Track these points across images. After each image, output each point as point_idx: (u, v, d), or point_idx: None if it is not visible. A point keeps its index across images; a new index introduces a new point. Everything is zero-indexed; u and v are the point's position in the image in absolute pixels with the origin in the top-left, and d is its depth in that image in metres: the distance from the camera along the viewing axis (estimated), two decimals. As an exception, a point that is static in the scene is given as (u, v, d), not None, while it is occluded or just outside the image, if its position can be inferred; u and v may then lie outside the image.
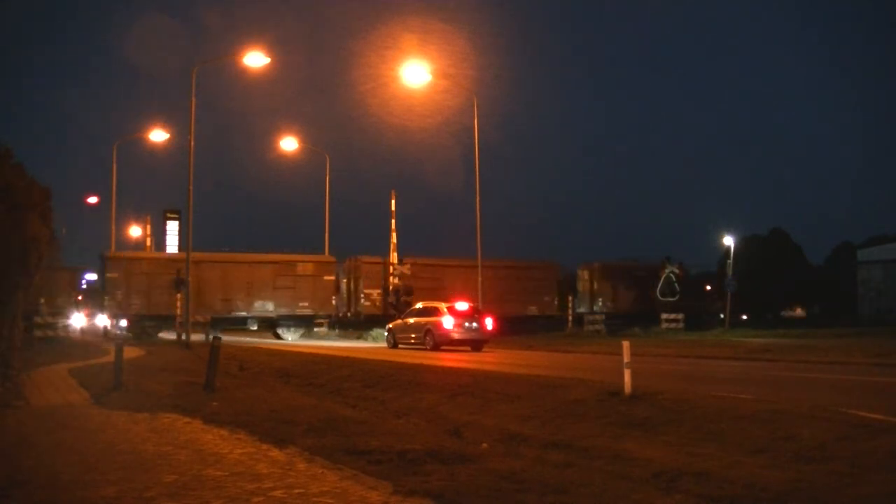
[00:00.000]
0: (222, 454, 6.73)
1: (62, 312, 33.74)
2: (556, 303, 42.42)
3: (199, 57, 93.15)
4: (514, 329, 34.87)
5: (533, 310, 40.52)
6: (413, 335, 24.88)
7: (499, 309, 35.22)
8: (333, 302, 38.36)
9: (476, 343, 23.91)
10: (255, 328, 37.53)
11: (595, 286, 43.36)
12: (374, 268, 39.03)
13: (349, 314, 39.64)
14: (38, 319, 27.73)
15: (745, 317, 53.55)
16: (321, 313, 37.34)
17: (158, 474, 5.89)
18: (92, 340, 32.99)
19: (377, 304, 38.38)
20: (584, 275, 45.00)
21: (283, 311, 36.52)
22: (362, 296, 38.35)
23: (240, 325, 37.39)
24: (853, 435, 7.01)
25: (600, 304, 42.75)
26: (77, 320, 33.99)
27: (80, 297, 41.08)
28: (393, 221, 37.81)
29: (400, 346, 25.45)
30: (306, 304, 36.54)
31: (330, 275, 38.02)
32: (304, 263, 37.23)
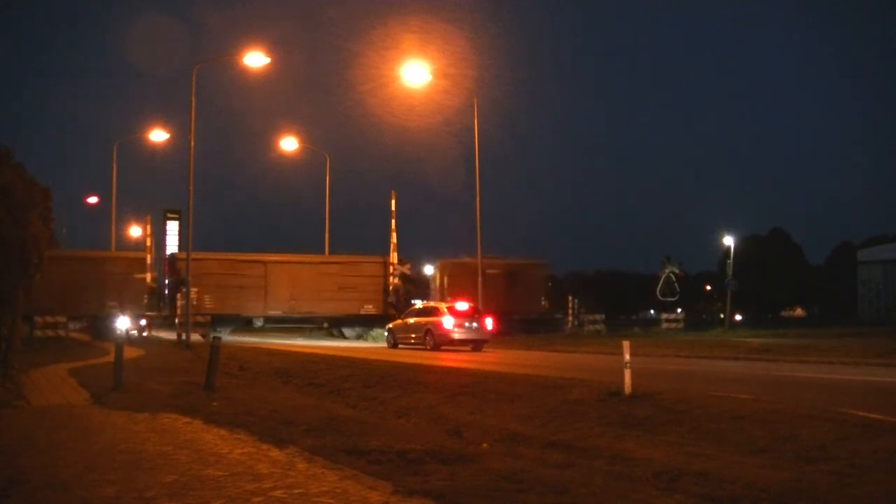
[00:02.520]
0: (222, 454, 6.73)
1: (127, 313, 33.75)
2: (389, 301, 38.26)
3: (199, 57, 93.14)
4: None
5: (370, 308, 36.49)
6: (413, 335, 24.89)
7: (332, 307, 34.33)
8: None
9: (476, 343, 23.91)
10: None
11: (445, 285, 38.56)
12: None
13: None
14: (38, 319, 27.71)
15: (739, 317, 53.50)
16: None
17: (158, 474, 5.89)
18: (91, 341, 33.02)
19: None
20: (436, 273, 40.65)
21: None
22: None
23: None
24: (853, 435, 7.01)
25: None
26: (122, 323, 34.04)
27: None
28: (393, 221, 37.78)
29: (400, 346, 25.45)
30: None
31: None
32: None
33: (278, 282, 35.05)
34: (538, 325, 37.58)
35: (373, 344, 30.10)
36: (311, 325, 39.31)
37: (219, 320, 33.50)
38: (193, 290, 31.58)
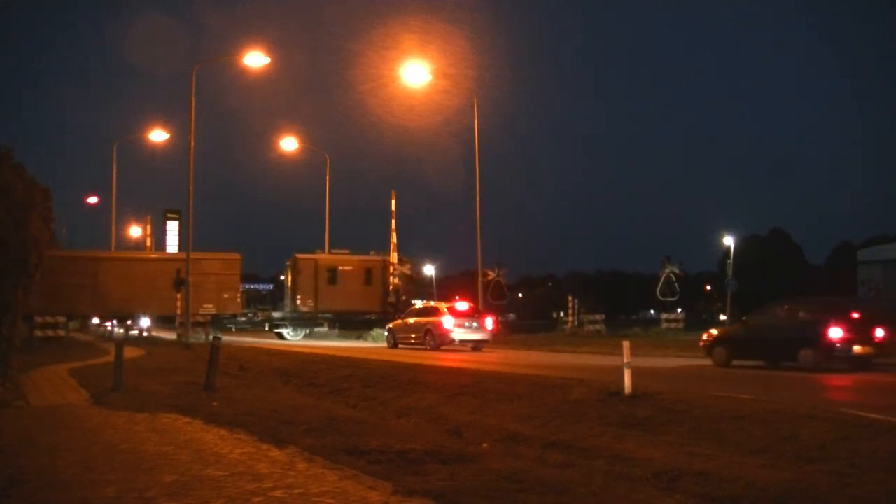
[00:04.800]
0: (222, 454, 6.73)
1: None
2: (238, 300, 36.88)
3: (199, 57, 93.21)
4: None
5: (209, 308, 34.30)
6: (413, 335, 24.88)
7: (170, 307, 32.52)
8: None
9: (476, 343, 23.91)
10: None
11: (296, 283, 36.80)
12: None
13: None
14: (38, 319, 27.70)
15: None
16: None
17: (158, 474, 5.89)
18: (92, 341, 33.03)
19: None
20: (287, 270, 38.45)
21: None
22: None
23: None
24: (853, 435, 7.02)
25: (298, 302, 36.46)
26: (145, 322, 33.93)
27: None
28: (393, 221, 37.76)
29: (400, 346, 25.44)
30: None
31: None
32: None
33: (110, 280, 33.53)
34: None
35: (373, 344, 30.10)
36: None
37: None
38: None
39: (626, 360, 9.90)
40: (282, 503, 5.05)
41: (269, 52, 27.72)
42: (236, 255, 36.11)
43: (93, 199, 47.56)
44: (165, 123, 56.36)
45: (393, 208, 37.70)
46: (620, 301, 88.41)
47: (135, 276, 33.77)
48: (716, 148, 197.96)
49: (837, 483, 5.68)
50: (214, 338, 12.76)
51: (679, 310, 39.71)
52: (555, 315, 42.89)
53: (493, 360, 18.88)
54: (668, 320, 36.17)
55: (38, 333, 27.29)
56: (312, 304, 35.82)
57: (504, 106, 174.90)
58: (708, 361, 16.51)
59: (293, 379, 15.39)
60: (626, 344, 10.24)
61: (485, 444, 7.92)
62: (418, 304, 34.12)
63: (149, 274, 33.76)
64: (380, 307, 36.57)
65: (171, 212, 52.29)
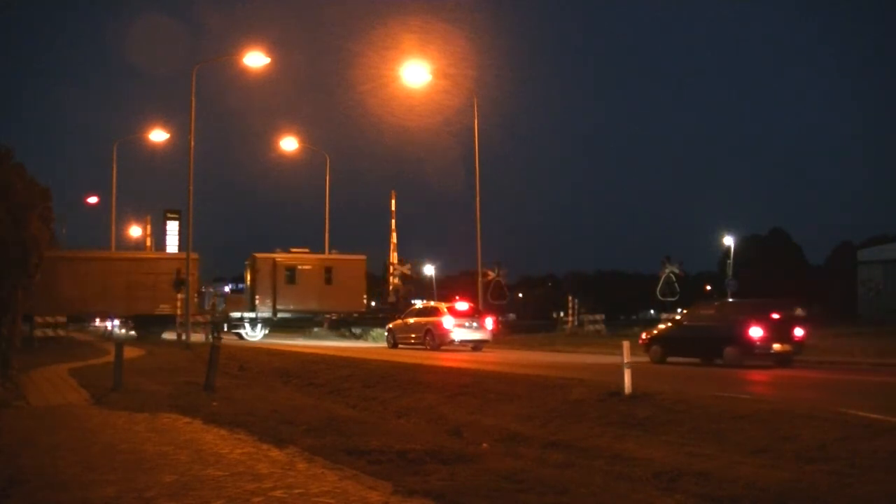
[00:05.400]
0: (222, 454, 6.73)
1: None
2: (195, 300, 35.43)
3: (199, 57, 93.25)
4: (144, 331, 32.29)
5: (165, 308, 33.32)
6: (413, 335, 24.88)
7: (111, 308, 32.39)
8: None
9: (476, 343, 23.92)
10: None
11: (254, 282, 36.16)
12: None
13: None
14: (38, 319, 27.68)
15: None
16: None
17: (158, 474, 5.89)
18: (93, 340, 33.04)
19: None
20: (247, 269, 37.70)
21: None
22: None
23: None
24: (853, 435, 7.02)
25: (257, 302, 35.76)
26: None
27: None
28: (393, 221, 37.79)
29: (400, 346, 25.45)
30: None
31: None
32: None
33: (59, 280, 32.08)
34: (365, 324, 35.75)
35: (373, 344, 30.11)
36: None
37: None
38: None
39: (626, 360, 9.90)
40: (282, 503, 5.05)
41: (269, 52, 27.71)
42: (194, 256, 35.70)
43: (93, 199, 47.57)
44: (165, 123, 56.38)
45: (393, 208, 37.82)
46: (620, 301, 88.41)
47: (88, 276, 32.90)
48: (716, 148, 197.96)
49: (837, 483, 5.68)
50: (214, 338, 12.76)
51: (679, 310, 39.70)
52: (555, 315, 42.82)
53: (492, 360, 18.88)
54: (668, 320, 36.15)
55: (38, 333, 27.28)
56: (271, 304, 35.27)
57: (504, 106, 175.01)
58: (647, 359, 17.35)
59: (293, 379, 15.39)
60: (626, 344, 10.26)
61: (485, 444, 7.92)
62: (418, 304, 34.11)
63: (104, 274, 32.92)
64: (345, 307, 36.11)
65: (171, 212, 52.35)
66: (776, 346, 15.84)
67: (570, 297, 39.42)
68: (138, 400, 10.50)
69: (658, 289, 40.33)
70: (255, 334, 34.81)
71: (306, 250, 37.04)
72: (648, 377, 11.81)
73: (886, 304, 46.91)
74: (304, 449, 6.86)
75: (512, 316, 66.61)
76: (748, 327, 15.82)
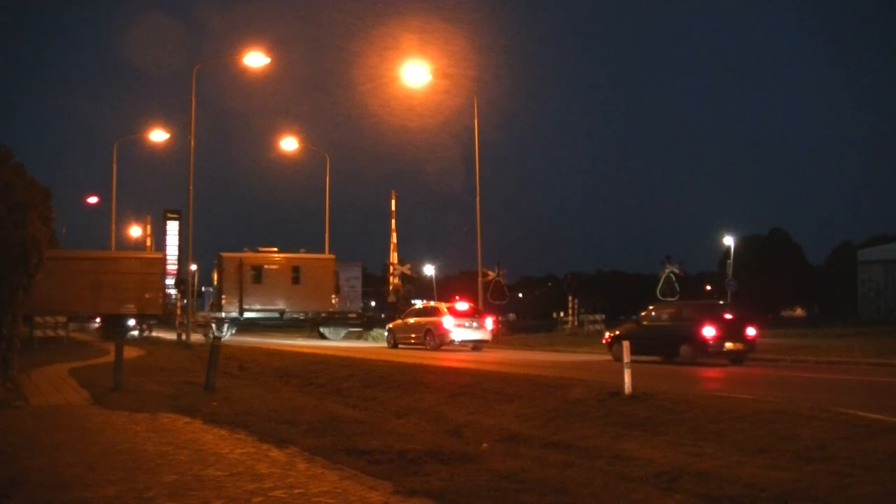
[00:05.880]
0: (222, 454, 6.73)
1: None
2: (160, 300, 35.48)
3: (199, 57, 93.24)
4: (110, 331, 31.69)
5: (130, 308, 33.16)
6: (413, 335, 24.89)
7: (90, 307, 31.99)
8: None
9: (476, 343, 23.92)
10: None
11: (221, 281, 35.79)
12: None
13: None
14: (37, 319, 27.64)
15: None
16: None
17: (158, 474, 5.89)
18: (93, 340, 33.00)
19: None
20: (215, 269, 37.54)
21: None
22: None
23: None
24: (853, 435, 7.01)
25: (223, 301, 35.51)
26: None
27: None
28: (393, 221, 37.77)
29: (400, 346, 25.45)
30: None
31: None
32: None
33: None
34: (334, 324, 35.63)
35: (373, 344, 30.10)
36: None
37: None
38: None
39: (625, 361, 9.91)
40: (282, 503, 5.05)
41: (270, 52, 27.72)
42: (158, 255, 35.33)
43: (93, 199, 47.58)
44: (165, 123, 56.51)
45: (393, 208, 37.77)
46: (620, 301, 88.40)
47: (54, 276, 32.40)
48: (716, 148, 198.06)
49: (837, 483, 5.67)
50: (214, 337, 12.76)
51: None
52: (555, 315, 42.80)
53: (492, 359, 18.88)
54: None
55: (38, 333, 27.25)
56: (237, 304, 35.10)
57: (504, 106, 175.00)
58: (610, 357, 18.37)
59: (293, 379, 15.39)
60: (625, 344, 10.27)
61: (485, 444, 7.92)
62: (418, 304, 34.09)
63: (70, 274, 31.87)
64: (313, 306, 35.73)
65: (171, 212, 52.32)
66: (728, 345, 16.69)
67: (570, 298, 39.43)
68: (138, 400, 10.49)
69: (658, 289, 40.29)
70: (221, 335, 34.68)
71: (275, 250, 36.85)
72: (612, 374, 12.50)
73: (886, 304, 46.90)
74: (304, 449, 6.86)
75: (512, 316, 66.67)
76: (702, 327, 16.72)
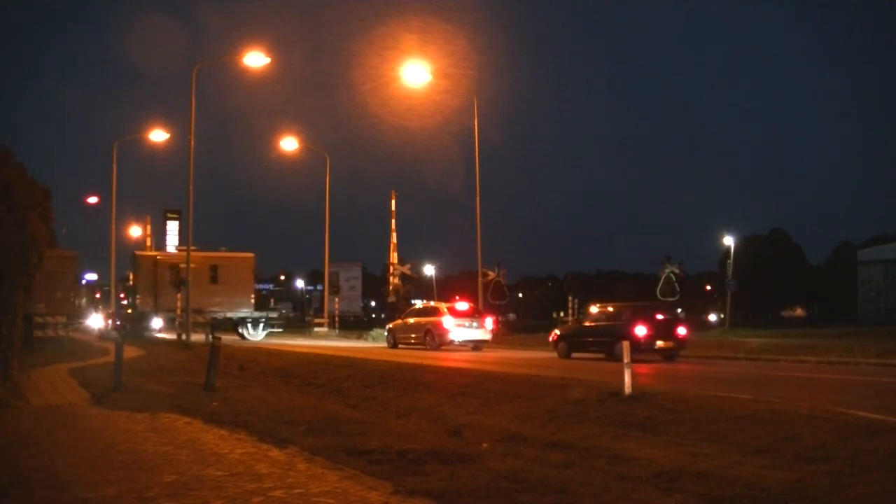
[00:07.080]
0: (222, 454, 6.73)
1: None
2: (72, 300, 33.91)
3: (199, 57, 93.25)
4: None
5: (41, 308, 30.89)
6: (413, 335, 24.88)
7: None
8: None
9: (476, 343, 23.91)
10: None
11: (136, 281, 35.00)
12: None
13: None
14: (38, 319, 27.62)
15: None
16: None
17: (158, 474, 5.89)
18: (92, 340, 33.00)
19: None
20: (130, 269, 37.16)
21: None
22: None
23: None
24: (853, 435, 7.01)
25: (138, 301, 34.84)
26: (95, 321, 32.95)
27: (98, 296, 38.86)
28: (393, 221, 37.76)
29: (400, 346, 25.44)
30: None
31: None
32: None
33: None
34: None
35: (373, 344, 30.09)
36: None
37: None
38: None
39: (625, 361, 9.90)
40: (282, 503, 5.05)
41: (269, 52, 27.67)
42: (71, 253, 34.67)
43: (93, 199, 47.54)
44: (165, 123, 56.48)
45: (393, 208, 37.78)
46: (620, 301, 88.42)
47: None
48: (716, 148, 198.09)
49: (837, 483, 5.67)
50: (214, 337, 12.76)
51: (679, 310, 39.72)
52: (555, 315, 42.79)
53: (492, 360, 18.88)
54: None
55: (38, 333, 27.23)
56: (152, 303, 34.44)
57: (504, 106, 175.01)
58: (555, 354, 19.97)
59: (293, 379, 15.39)
60: (625, 345, 10.26)
61: (485, 444, 7.92)
62: (418, 304, 34.06)
63: None
64: (232, 306, 34.98)
65: (171, 212, 52.39)
66: (659, 343, 17.92)
67: (569, 297, 39.45)
68: (138, 400, 10.49)
69: (658, 289, 40.31)
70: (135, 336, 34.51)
71: (194, 249, 36.14)
72: (544, 368, 13.71)
73: (886, 304, 46.93)
74: (304, 449, 6.86)
75: (512, 316, 66.64)
76: (634, 326, 17.88)
